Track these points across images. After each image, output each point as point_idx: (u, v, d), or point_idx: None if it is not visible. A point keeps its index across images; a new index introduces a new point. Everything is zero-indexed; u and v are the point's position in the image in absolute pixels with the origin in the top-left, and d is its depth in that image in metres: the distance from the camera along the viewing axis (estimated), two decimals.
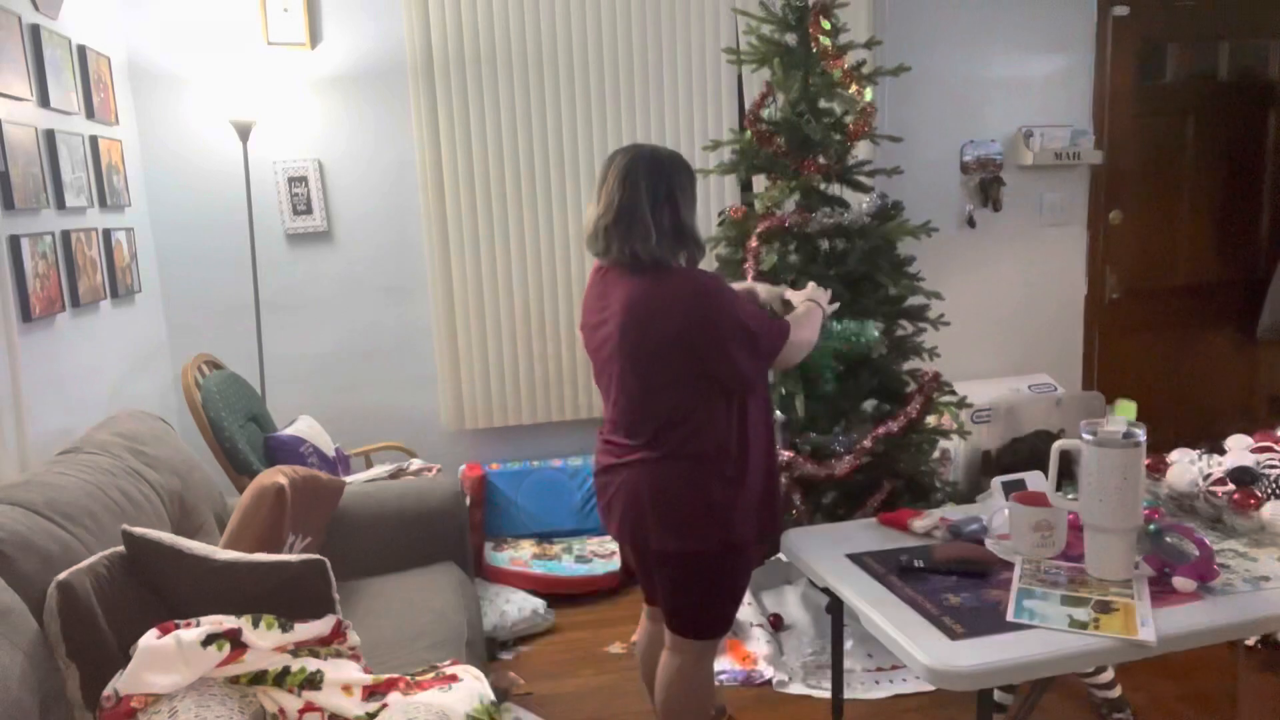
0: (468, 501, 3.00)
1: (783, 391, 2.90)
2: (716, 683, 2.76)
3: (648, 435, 1.98)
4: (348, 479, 2.93)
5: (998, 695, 1.99)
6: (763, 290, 2.34)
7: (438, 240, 3.71)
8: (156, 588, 1.84)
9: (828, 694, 2.15)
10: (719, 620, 2.12)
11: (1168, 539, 1.71)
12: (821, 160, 3.03)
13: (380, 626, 2.29)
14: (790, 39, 3.09)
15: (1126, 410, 2.28)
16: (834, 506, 2.98)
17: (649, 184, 1.94)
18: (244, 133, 3.38)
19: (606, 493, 2.08)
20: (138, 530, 1.84)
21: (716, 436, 1.96)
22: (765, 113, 3.12)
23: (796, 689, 2.81)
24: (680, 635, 2.10)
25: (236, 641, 1.73)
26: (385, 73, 3.62)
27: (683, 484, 1.96)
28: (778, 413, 2.86)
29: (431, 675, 1.92)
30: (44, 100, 2.56)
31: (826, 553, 1.92)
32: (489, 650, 3.05)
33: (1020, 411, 4.08)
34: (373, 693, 1.81)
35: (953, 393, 3.11)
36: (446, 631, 2.28)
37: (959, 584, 1.78)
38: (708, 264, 3.11)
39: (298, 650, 1.81)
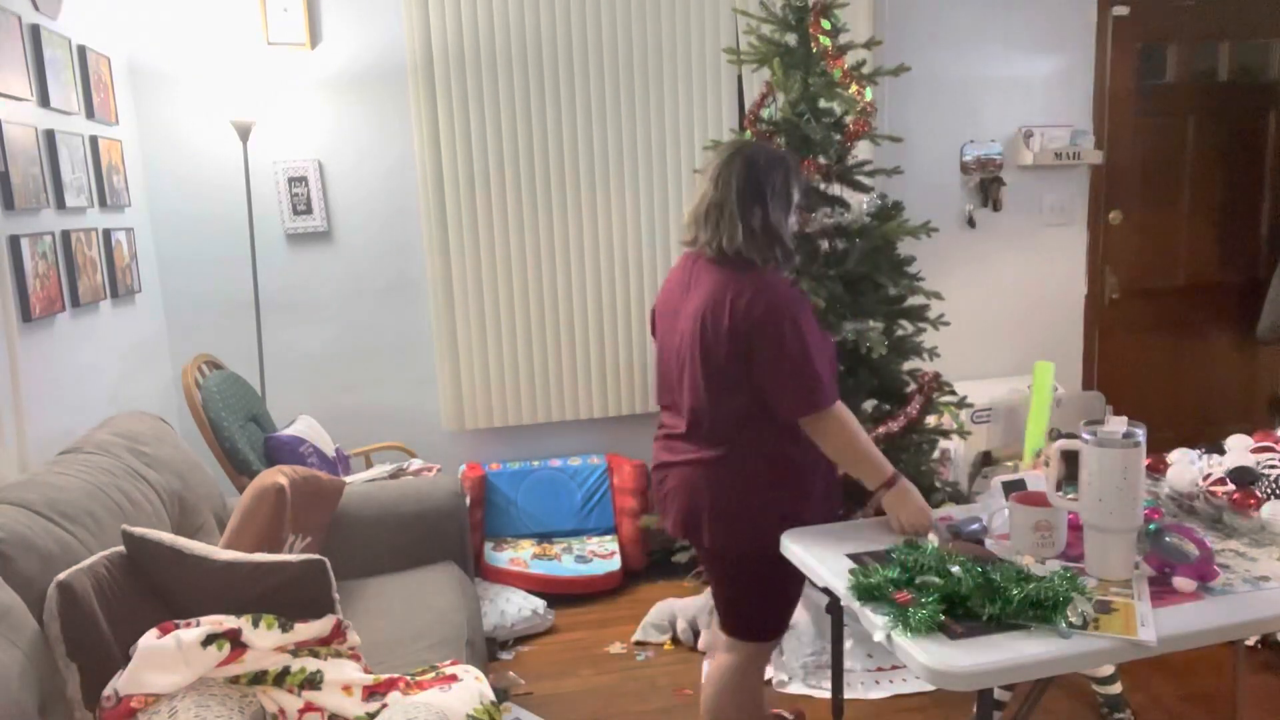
0: (468, 501, 3.00)
1: None
2: None
3: (708, 436, 1.98)
4: (348, 479, 2.93)
5: (997, 693, 1.99)
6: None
7: (438, 240, 3.71)
8: (156, 588, 1.84)
9: (828, 694, 2.15)
10: (771, 623, 2.13)
11: (1168, 539, 1.71)
12: (821, 160, 3.03)
13: (380, 626, 2.29)
14: (790, 39, 3.08)
15: (1045, 370, 2.24)
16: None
17: (740, 181, 1.95)
18: (244, 133, 3.38)
19: (663, 488, 2.09)
20: (138, 530, 1.84)
21: (775, 444, 1.96)
22: (765, 113, 3.12)
23: (796, 689, 2.81)
24: (733, 635, 2.12)
25: (236, 641, 1.73)
26: (385, 73, 3.62)
27: (738, 486, 1.97)
28: None
29: (431, 675, 1.92)
30: (44, 100, 2.56)
31: (826, 553, 1.91)
32: (489, 650, 3.05)
33: (1020, 411, 4.07)
34: (373, 693, 1.81)
35: (953, 393, 3.11)
36: (446, 631, 2.28)
37: None
38: None
39: (298, 650, 1.81)
